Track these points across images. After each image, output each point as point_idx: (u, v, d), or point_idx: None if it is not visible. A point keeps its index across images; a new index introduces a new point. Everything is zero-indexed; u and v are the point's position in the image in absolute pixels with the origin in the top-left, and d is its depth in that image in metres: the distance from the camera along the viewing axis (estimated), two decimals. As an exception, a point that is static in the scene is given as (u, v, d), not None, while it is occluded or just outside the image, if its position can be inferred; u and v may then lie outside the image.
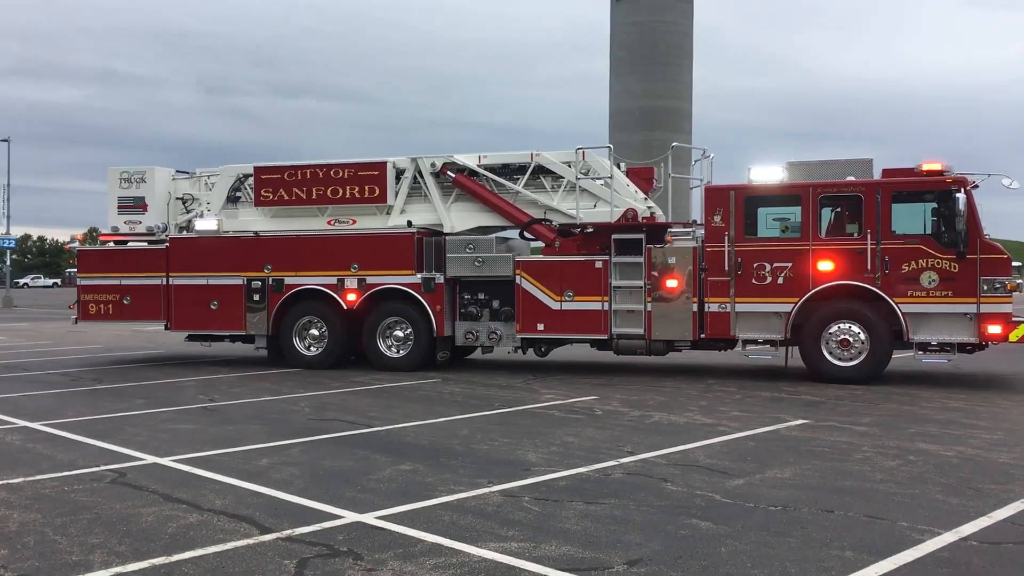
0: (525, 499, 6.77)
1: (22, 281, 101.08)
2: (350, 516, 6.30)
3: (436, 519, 6.22)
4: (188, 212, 17.63)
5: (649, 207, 15.20)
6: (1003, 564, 5.28)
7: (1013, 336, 12.74)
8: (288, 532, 5.91)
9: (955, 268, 12.84)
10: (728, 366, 15.65)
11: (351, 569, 5.20)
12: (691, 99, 58.51)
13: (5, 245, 61.59)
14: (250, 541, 5.72)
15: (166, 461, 8.18)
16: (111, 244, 17.65)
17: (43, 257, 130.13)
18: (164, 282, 16.68)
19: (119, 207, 17.49)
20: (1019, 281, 13.46)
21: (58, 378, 14.96)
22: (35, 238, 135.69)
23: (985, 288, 12.76)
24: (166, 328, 16.93)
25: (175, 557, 5.40)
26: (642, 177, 16.04)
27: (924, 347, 13.22)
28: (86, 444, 9.02)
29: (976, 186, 13.78)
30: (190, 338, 17.20)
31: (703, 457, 8.25)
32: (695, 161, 15.85)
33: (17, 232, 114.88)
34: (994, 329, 12.74)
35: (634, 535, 5.84)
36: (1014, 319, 12.92)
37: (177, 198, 17.72)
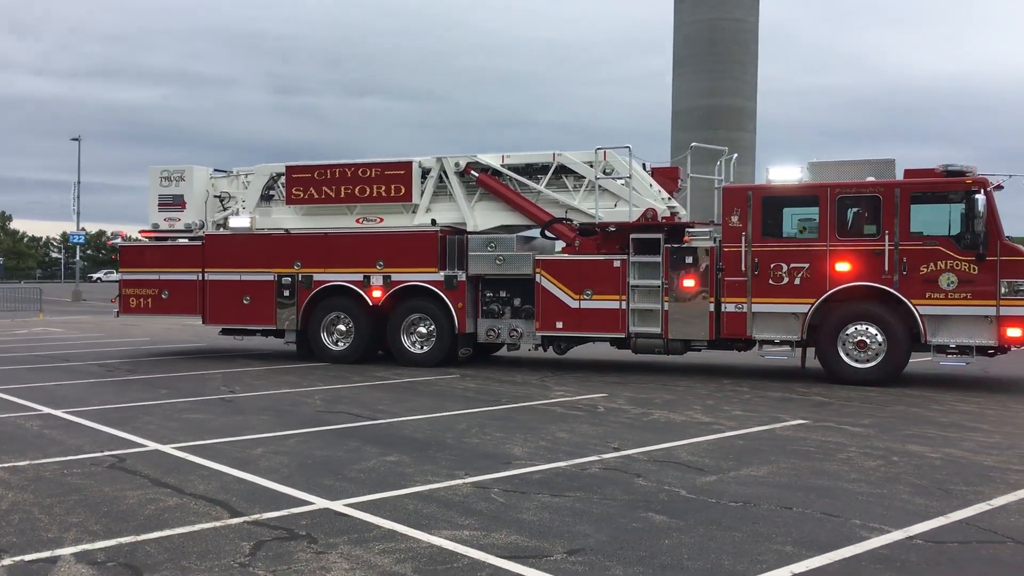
0: (494, 490, 6.98)
1: (96, 276, 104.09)
2: (320, 503, 6.58)
3: (401, 507, 6.46)
4: (225, 209, 18.15)
5: (671, 207, 15.28)
6: (939, 562, 5.33)
7: (1033, 339, 12.56)
8: (256, 516, 6.20)
9: (974, 270, 12.70)
10: (748, 366, 15.64)
11: (302, 551, 5.46)
12: (756, 97, 57.63)
13: (75, 241, 63.46)
14: (217, 524, 6.02)
15: (167, 448, 8.56)
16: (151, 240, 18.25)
17: (117, 252, 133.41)
18: (200, 277, 17.20)
19: (159, 204, 18.09)
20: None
21: (96, 369, 15.56)
22: (109, 234, 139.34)
23: (1005, 290, 12.59)
24: (203, 322, 17.43)
25: (142, 536, 5.72)
26: (667, 177, 16.12)
27: (943, 350, 13.10)
28: (98, 431, 9.46)
29: (1000, 187, 13.62)
30: (224, 332, 17.72)
31: (685, 454, 8.36)
32: (719, 161, 15.81)
33: (93, 228, 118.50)
34: (1013, 332, 12.58)
35: (586, 526, 6.01)
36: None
37: (215, 196, 18.27)
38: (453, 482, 7.23)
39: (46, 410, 10.82)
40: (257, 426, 9.79)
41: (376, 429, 9.69)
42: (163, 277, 17.56)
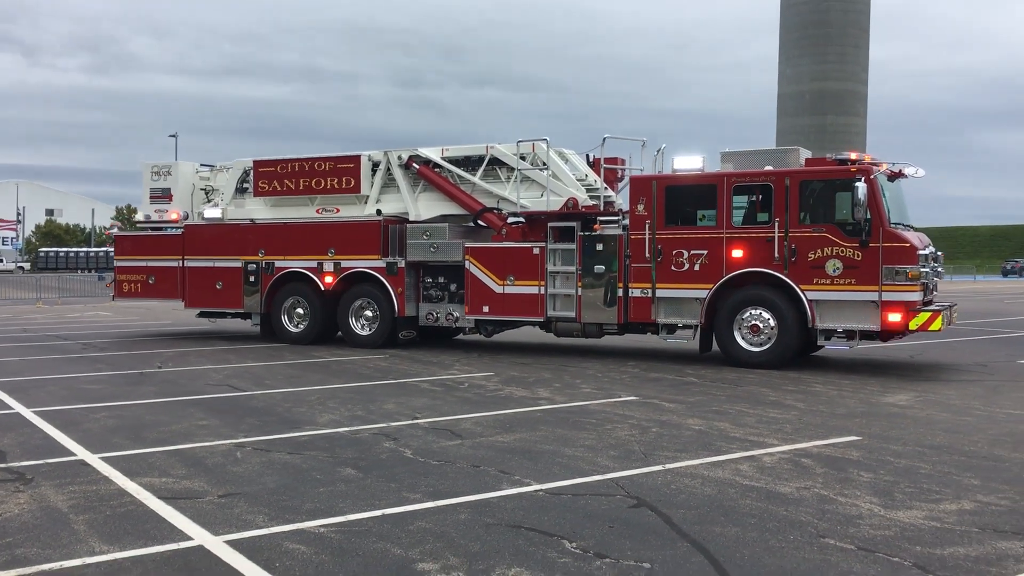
0: (246, 449, 7.96)
1: None
2: (82, 455, 7.69)
3: (144, 460, 7.51)
4: (209, 201, 19.54)
5: (605, 196, 15.83)
6: (527, 509, 6.05)
7: (913, 324, 12.82)
8: (12, 464, 7.34)
9: (858, 256, 13.01)
10: (672, 351, 16.04)
11: (3, 490, 6.54)
12: (867, 80, 56.71)
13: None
14: (-27, 468, 7.17)
15: (27, 412, 9.81)
16: (147, 230, 19.84)
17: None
18: (180, 264, 18.67)
19: (151, 197, 19.63)
20: (924, 269, 13.38)
21: (74, 347, 17.15)
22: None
23: (889, 277, 12.87)
24: (184, 306, 18.92)
25: (-101, 475, 6.91)
26: (611, 167, 16.69)
27: (831, 335, 13.45)
28: (-8, 397, 10.81)
29: (901, 175, 13.88)
30: (200, 315, 19.16)
31: (469, 424, 9.16)
32: (658, 151, 16.25)
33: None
34: (894, 317, 12.86)
35: (272, 477, 6.94)
36: (923, 307, 12.98)
37: (201, 189, 19.69)
38: (223, 442, 8.25)
39: (-24, 380, 12.28)
40: (134, 395, 11.00)
41: (231, 400, 10.78)
42: (150, 264, 19.12)
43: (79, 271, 77.31)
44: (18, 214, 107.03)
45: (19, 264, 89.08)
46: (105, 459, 7.54)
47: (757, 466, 7.29)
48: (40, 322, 25.11)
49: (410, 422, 9.23)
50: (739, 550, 5.24)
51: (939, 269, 14.44)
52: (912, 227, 14.23)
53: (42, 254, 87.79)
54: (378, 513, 5.96)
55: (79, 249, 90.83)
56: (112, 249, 20.14)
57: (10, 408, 10.06)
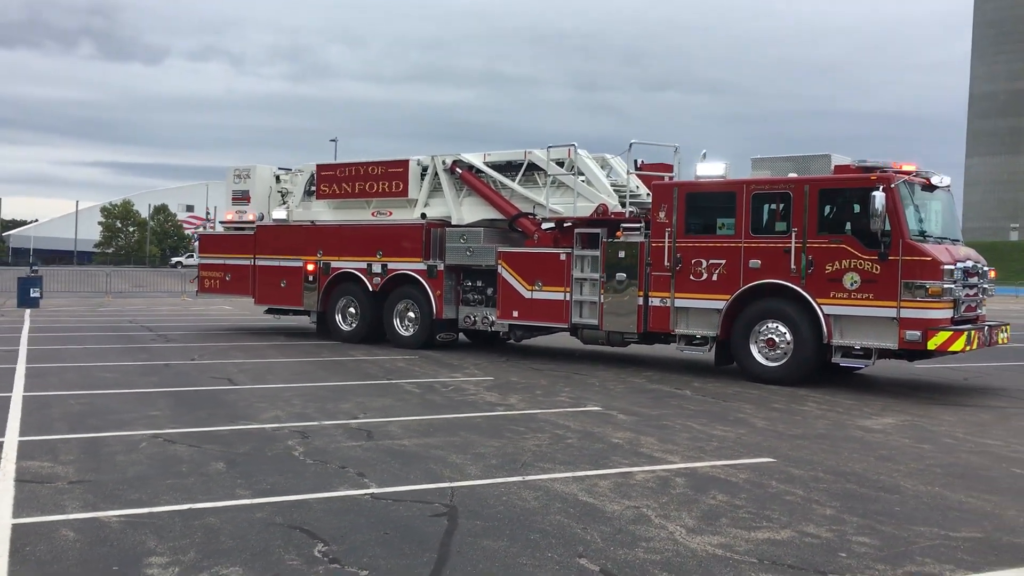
0: (158, 440, 8.41)
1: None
2: (8, 438, 8.32)
3: (52, 446, 8.08)
4: (284, 203, 20.44)
5: (632, 202, 15.58)
6: (334, 512, 6.15)
7: (932, 343, 12.02)
8: (-60, 442, 8.04)
9: (877, 269, 12.32)
10: (708, 365, 15.57)
11: (-100, 464, 7.20)
12: None
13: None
14: (-100, 444, 7.91)
15: (18, 396, 10.69)
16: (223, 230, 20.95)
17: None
18: (252, 263, 19.62)
19: (232, 199, 20.72)
20: (950, 285, 12.46)
21: (147, 339, 18.38)
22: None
23: (908, 292, 12.13)
24: (254, 303, 19.89)
25: None
26: (660, 173, 16.41)
27: (849, 352, 12.76)
28: (9, 381, 11.77)
29: (929, 184, 13.08)
30: (267, 311, 20.06)
31: (396, 427, 9.29)
32: (702, 155, 15.86)
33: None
34: (912, 335, 12.10)
35: (142, 467, 7.34)
36: (945, 326, 12.16)
37: (278, 191, 20.62)
38: (146, 432, 8.73)
39: (22, 366, 13.38)
40: (130, 384, 11.77)
41: (208, 393, 11.32)
42: (226, 262, 20.19)
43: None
44: (207, 213, 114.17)
45: None
46: (23, 442, 8.14)
47: (618, 482, 7.11)
48: (157, 314, 26.88)
49: (344, 422, 9.46)
50: (477, 564, 5.19)
51: (984, 286, 13.42)
52: (954, 240, 13.36)
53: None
54: (185, 507, 6.21)
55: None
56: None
57: (8, 392, 10.93)
